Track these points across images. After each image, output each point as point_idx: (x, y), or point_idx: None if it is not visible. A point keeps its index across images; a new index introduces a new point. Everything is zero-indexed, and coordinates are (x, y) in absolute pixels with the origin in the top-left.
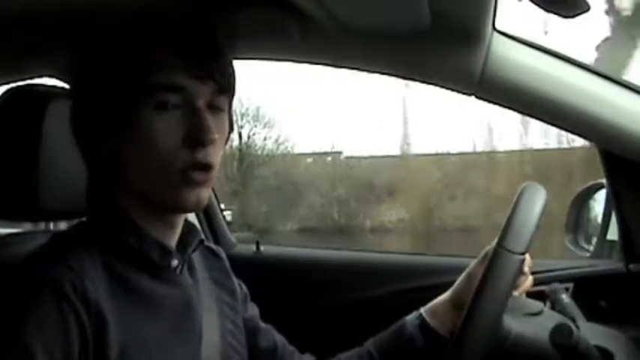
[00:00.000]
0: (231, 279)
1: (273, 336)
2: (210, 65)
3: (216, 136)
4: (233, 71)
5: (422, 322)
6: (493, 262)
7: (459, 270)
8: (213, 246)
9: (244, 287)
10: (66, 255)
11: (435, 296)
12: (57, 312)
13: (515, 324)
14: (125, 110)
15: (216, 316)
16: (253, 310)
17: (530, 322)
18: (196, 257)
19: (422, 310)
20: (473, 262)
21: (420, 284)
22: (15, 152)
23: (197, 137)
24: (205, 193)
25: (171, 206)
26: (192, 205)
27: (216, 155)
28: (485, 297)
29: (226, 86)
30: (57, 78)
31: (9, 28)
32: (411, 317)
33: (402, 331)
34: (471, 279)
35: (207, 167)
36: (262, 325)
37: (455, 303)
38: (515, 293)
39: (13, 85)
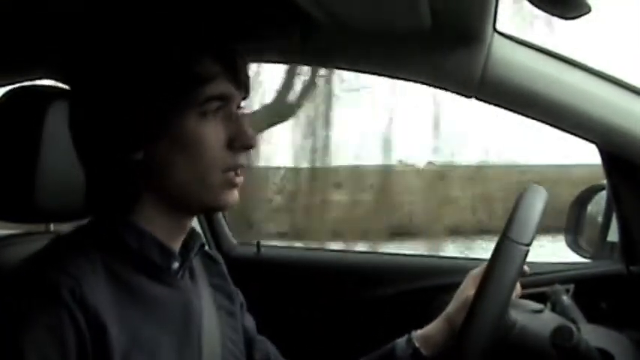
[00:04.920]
0: (229, 284)
1: (267, 348)
2: (243, 71)
3: (257, 139)
4: None
5: (414, 351)
6: (498, 252)
7: (461, 271)
8: (211, 251)
9: (240, 295)
10: (65, 260)
11: (438, 297)
12: (53, 318)
13: (520, 317)
14: (168, 118)
15: (216, 322)
16: (249, 321)
17: (534, 317)
18: (196, 263)
19: (413, 336)
20: (463, 283)
21: (422, 285)
22: (15, 153)
23: (242, 142)
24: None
25: (210, 207)
26: (231, 204)
27: None
28: (490, 287)
29: (250, 89)
30: (58, 80)
31: (11, 29)
32: (401, 344)
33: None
34: (464, 301)
35: (242, 168)
36: (257, 336)
37: (450, 327)
38: (513, 296)
39: (14, 85)
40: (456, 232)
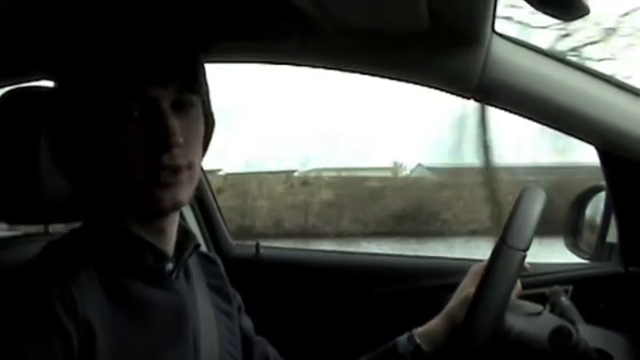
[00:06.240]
0: (227, 285)
1: (265, 349)
2: (169, 68)
3: (181, 139)
4: (200, 66)
5: (415, 347)
6: (495, 258)
7: (460, 272)
8: (209, 253)
9: (238, 297)
10: (57, 267)
11: (437, 298)
12: (42, 327)
13: (517, 322)
14: (92, 121)
15: (213, 323)
16: (247, 322)
17: (531, 321)
18: (193, 264)
19: (414, 332)
20: (464, 280)
21: (421, 286)
22: (15, 154)
23: (161, 142)
24: (182, 194)
25: (147, 210)
26: (168, 207)
27: (188, 155)
28: (487, 292)
29: (191, 84)
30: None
31: (9, 29)
32: (403, 341)
33: (394, 357)
34: (464, 298)
35: (176, 168)
36: (255, 337)
37: (450, 324)
38: (512, 296)
39: (13, 86)
40: (290, 234)
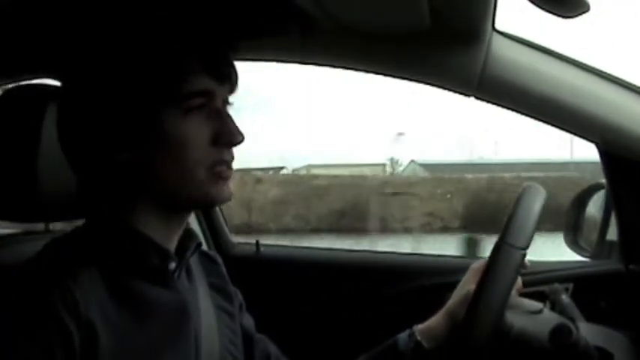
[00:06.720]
0: (228, 284)
1: (266, 347)
2: (227, 66)
3: (243, 135)
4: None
5: (416, 344)
6: (495, 256)
7: (461, 270)
8: (210, 252)
9: (240, 295)
10: (58, 266)
11: (438, 296)
12: (42, 327)
13: (517, 320)
14: (151, 117)
15: (214, 322)
16: (248, 320)
17: (531, 319)
18: (194, 263)
19: (415, 329)
20: (464, 277)
21: (422, 284)
22: (14, 152)
23: (227, 139)
24: (232, 186)
25: (201, 203)
26: (224, 199)
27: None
28: (487, 290)
29: (237, 84)
30: (56, 79)
31: (10, 27)
32: (403, 338)
33: (394, 354)
34: (465, 295)
35: (231, 163)
36: (256, 335)
37: (451, 321)
38: (513, 293)
39: (13, 85)
40: (234, 230)
